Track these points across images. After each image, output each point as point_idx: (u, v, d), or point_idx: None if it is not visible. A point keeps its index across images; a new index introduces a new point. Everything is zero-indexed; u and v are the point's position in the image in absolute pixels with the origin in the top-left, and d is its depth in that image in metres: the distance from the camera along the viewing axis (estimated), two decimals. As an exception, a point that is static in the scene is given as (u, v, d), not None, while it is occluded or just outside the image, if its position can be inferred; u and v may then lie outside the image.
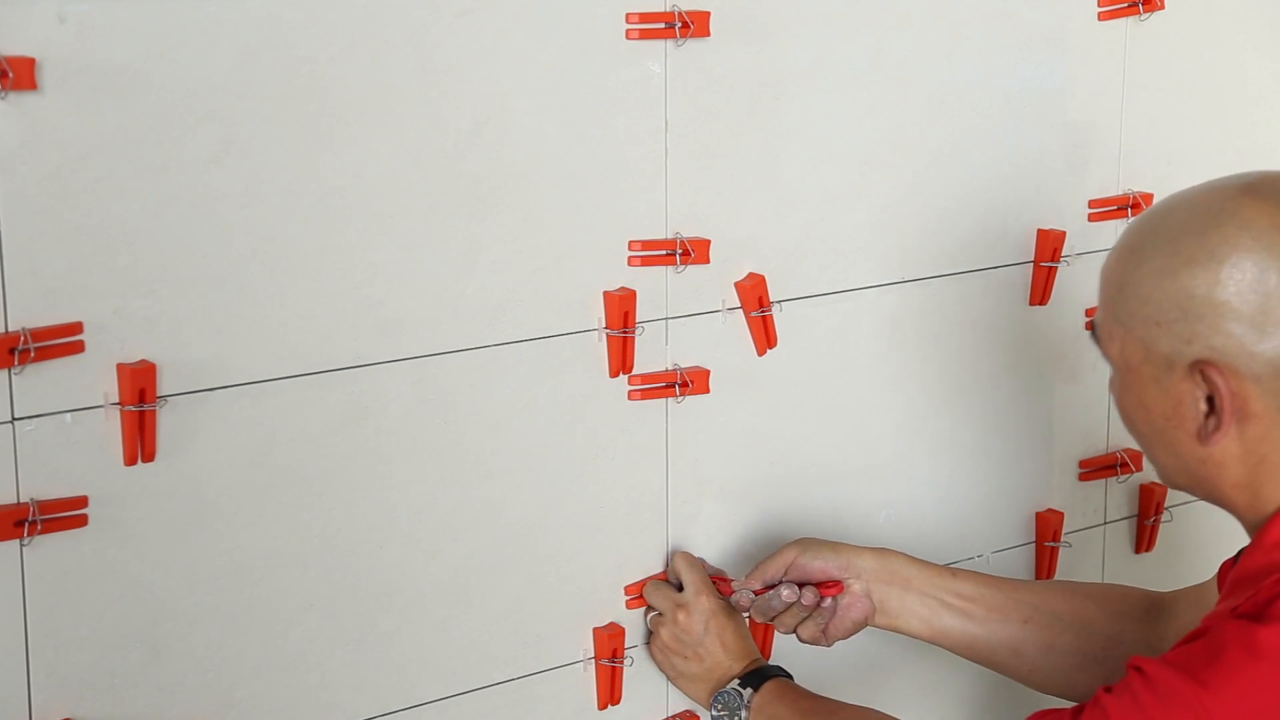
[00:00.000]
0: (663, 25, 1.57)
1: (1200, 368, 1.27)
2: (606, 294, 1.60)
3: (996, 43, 1.83)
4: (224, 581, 1.44)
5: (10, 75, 1.26)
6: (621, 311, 1.60)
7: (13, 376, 1.31)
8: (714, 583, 1.65)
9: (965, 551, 1.92)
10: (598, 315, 1.60)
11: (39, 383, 1.32)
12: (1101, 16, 1.90)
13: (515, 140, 1.52)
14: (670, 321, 1.65)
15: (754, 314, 1.68)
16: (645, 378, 1.63)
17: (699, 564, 1.67)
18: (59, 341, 1.32)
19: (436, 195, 1.49)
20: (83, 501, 1.36)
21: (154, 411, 1.37)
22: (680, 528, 1.70)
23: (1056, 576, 2.00)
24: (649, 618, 1.67)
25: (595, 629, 1.66)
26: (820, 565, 1.62)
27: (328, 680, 1.51)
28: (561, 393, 1.60)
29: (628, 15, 1.55)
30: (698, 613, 1.62)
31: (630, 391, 1.62)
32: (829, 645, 1.65)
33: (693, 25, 1.58)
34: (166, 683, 1.43)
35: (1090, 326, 1.38)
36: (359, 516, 1.50)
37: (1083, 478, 2.00)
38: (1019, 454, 1.95)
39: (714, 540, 1.72)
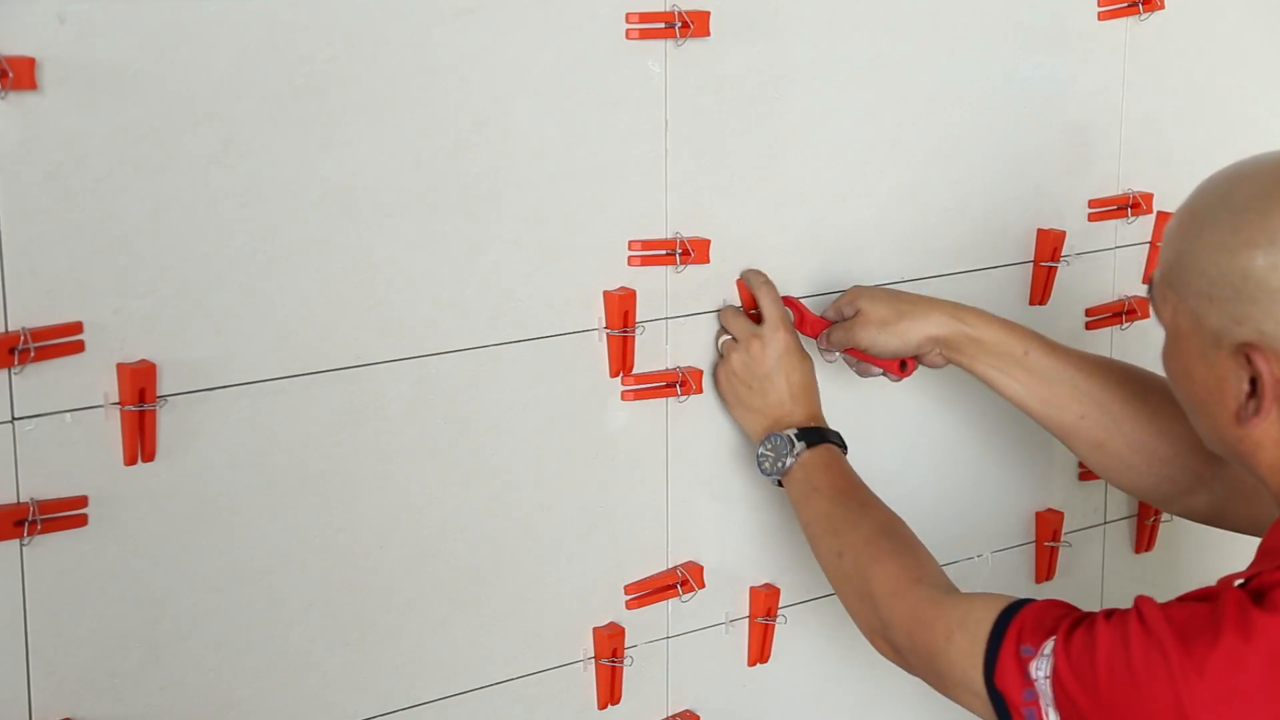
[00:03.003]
0: (663, 25, 1.57)
1: (1246, 350, 1.25)
2: (606, 294, 1.60)
3: (996, 43, 1.83)
4: (224, 581, 1.44)
5: (10, 75, 1.26)
6: (621, 311, 1.60)
7: (13, 376, 1.31)
8: (792, 311, 1.66)
9: (965, 551, 1.92)
10: (598, 315, 1.60)
11: (39, 383, 1.32)
12: (1101, 16, 1.90)
13: (515, 140, 1.52)
14: (670, 321, 1.65)
15: (753, 312, 1.68)
16: (641, 378, 1.63)
17: (780, 299, 1.66)
18: (59, 341, 1.32)
19: (436, 195, 1.49)
20: (83, 501, 1.36)
21: (154, 411, 1.37)
22: (680, 528, 1.70)
23: (1057, 576, 2.00)
24: (721, 341, 1.67)
25: (595, 629, 1.66)
26: (888, 353, 1.64)
27: (328, 680, 1.51)
28: (561, 393, 1.60)
29: (628, 15, 1.55)
30: (773, 346, 1.62)
31: (624, 392, 1.62)
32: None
33: (693, 25, 1.58)
34: (166, 683, 1.43)
35: (1150, 285, 1.36)
36: (359, 516, 1.50)
37: (1083, 478, 2.00)
38: (1019, 454, 1.95)
39: (714, 540, 1.72)
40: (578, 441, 1.61)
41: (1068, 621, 1.28)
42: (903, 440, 1.85)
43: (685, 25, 1.58)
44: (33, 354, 1.30)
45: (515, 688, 1.62)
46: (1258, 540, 1.50)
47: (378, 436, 1.50)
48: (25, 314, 1.31)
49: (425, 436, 1.53)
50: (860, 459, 1.81)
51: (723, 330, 1.67)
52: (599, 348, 1.61)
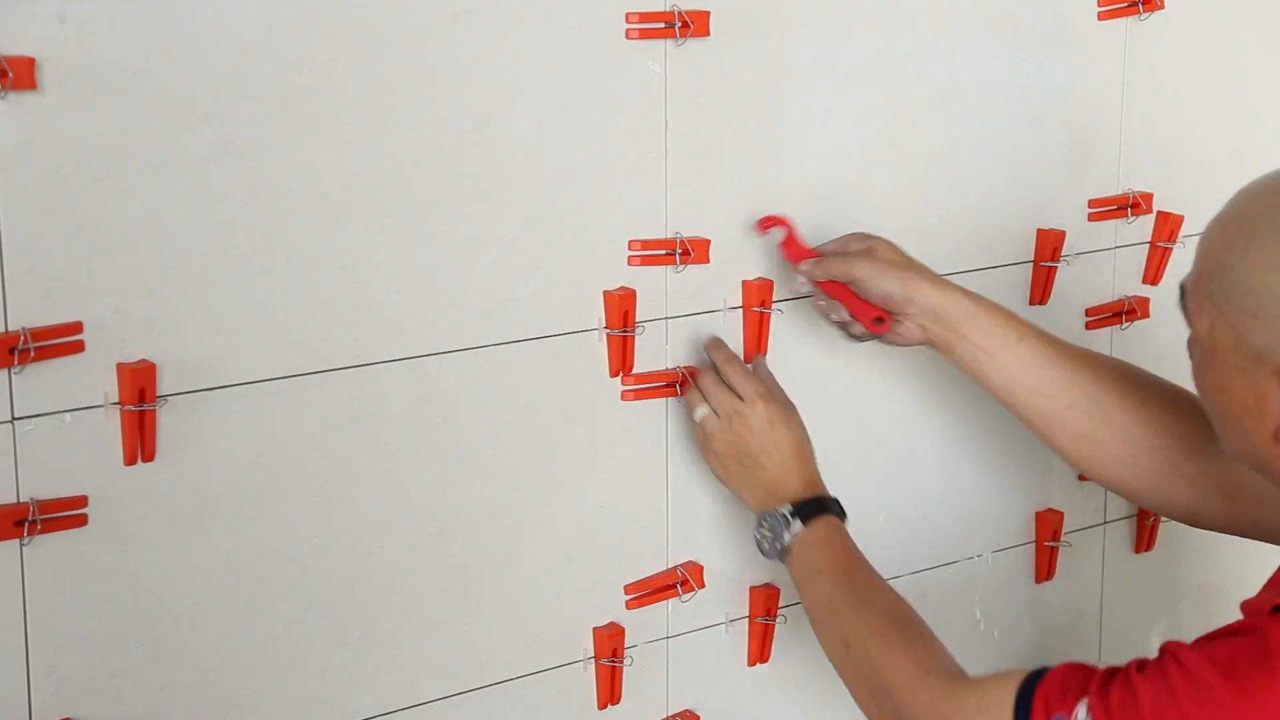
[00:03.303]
0: (663, 25, 1.57)
1: None
2: (606, 293, 1.60)
3: (996, 43, 1.83)
4: (224, 581, 1.44)
5: (10, 75, 1.26)
6: (621, 311, 1.60)
7: (13, 376, 1.31)
8: (783, 230, 1.62)
9: (965, 551, 1.92)
10: (598, 315, 1.60)
11: (39, 383, 1.32)
12: (1101, 16, 1.90)
13: (515, 140, 1.52)
14: (670, 321, 1.65)
15: (755, 309, 1.68)
16: (641, 378, 1.63)
17: (747, 371, 1.62)
18: (59, 341, 1.32)
19: (436, 195, 1.49)
20: (83, 501, 1.36)
21: (154, 411, 1.37)
22: (680, 528, 1.70)
23: (1057, 576, 2.00)
24: (699, 416, 1.61)
25: (595, 629, 1.66)
26: (881, 293, 1.58)
27: (328, 680, 1.51)
28: (561, 392, 1.60)
29: (627, 15, 1.55)
30: (756, 421, 1.58)
31: (624, 392, 1.62)
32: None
33: (693, 25, 1.58)
34: (166, 683, 1.43)
35: (1182, 289, 1.33)
36: (359, 516, 1.50)
37: (1083, 477, 2.00)
38: (1019, 454, 1.95)
39: (714, 540, 1.72)
40: (578, 441, 1.61)
41: (1096, 681, 1.26)
42: (903, 440, 1.85)
43: (685, 25, 1.58)
44: (33, 354, 1.30)
45: (515, 688, 1.62)
46: (1254, 543, 1.50)
47: (378, 436, 1.50)
48: (25, 314, 1.31)
49: (425, 436, 1.53)
50: (860, 459, 1.81)
51: (694, 398, 1.61)
52: (599, 348, 1.61)
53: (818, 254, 1.63)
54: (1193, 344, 1.34)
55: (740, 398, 1.59)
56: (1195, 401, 1.56)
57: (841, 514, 1.59)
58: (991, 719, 1.30)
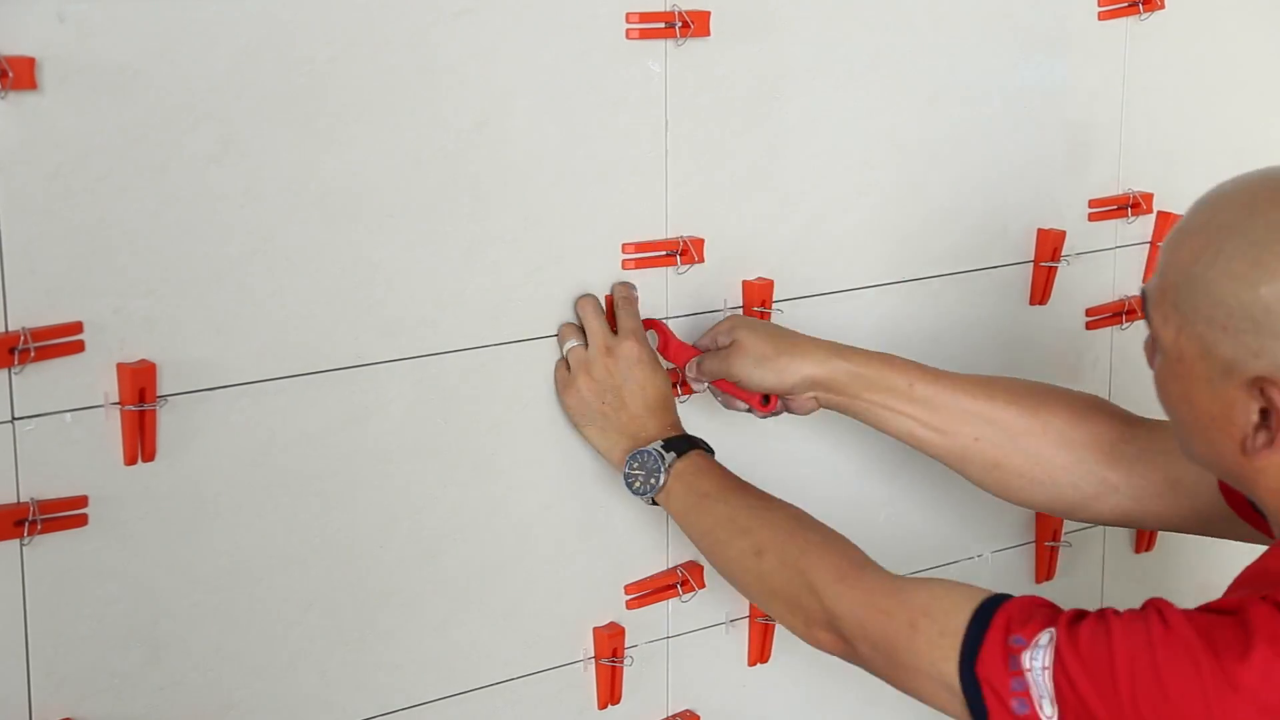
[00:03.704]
0: (663, 25, 1.57)
1: (1263, 385, 1.21)
2: (608, 299, 1.60)
3: (996, 43, 1.83)
4: (224, 581, 1.44)
5: (10, 75, 1.26)
6: (622, 311, 1.60)
7: (13, 376, 1.31)
8: (657, 335, 1.59)
9: (965, 551, 1.92)
10: (598, 315, 1.60)
11: (39, 383, 1.32)
12: (1101, 16, 1.90)
13: (515, 140, 1.52)
14: (670, 321, 1.65)
15: (755, 309, 1.68)
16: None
17: (638, 314, 1.58)
18: (59, 341, 1.32)
19: (436, 195, 1.49)
20: (83, 501, 1.36)
21: (154, 411, 1.37)
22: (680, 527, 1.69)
23: (1057, 576, 2.00)
24: (566, 349, 1.56)
25: (595, 629, 1.66)
26: (760, 387, 1.56)
27: (328, 680, 1.51)
28: (561, 393, 1.60)
29: (627, 15, 1.55)
30: (624, 357, 1.54)
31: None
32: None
33: (693, 25, 1.58)
34: (166, 683, 1.43)
35: (1144, 295, 1.30)
36: (359, 516, 1.50)
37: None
38: (1019, 454, 1.94)
39: (714, 540, 1.72)
40: (578, 441, 1.61)
41: (1066, 615, 1.24)
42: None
43: (686, 25, 1.58)
44: (33, 354, 1.30)
45: (515, 688, 1.62)
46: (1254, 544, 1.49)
47: (378, 436, 1.50)
48: (25, 314, 1.31)
49: (425, 436, 1.53)
50: (860, 459, 1.81)
51: (566, 330, 1.57)
52: (599, 348, 1.61)
53: (697, 351, 1.61)
54: (1151, 348, 1.32)
55: (614, 332, 1.56)
56: (1101, 404, 1.57)
57: (709, 450, 1.56)
58: (939, 625, 1.28)
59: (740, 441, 1.72)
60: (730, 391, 1.60)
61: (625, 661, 1.66)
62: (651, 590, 1.68)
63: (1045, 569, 1.99)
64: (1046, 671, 1.22)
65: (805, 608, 1.40)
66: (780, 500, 1.50)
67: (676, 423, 1.57)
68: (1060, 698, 1.21)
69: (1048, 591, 2.00)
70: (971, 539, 1.93)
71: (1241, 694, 1.16)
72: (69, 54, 1.29)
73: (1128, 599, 2.06)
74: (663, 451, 1.52)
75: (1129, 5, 1.90)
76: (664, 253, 1.63)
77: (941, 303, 1.83)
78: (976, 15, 1.80)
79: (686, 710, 1.73)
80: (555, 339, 1.57)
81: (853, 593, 1.36)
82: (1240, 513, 1.42)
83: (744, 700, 1.78)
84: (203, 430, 1.40)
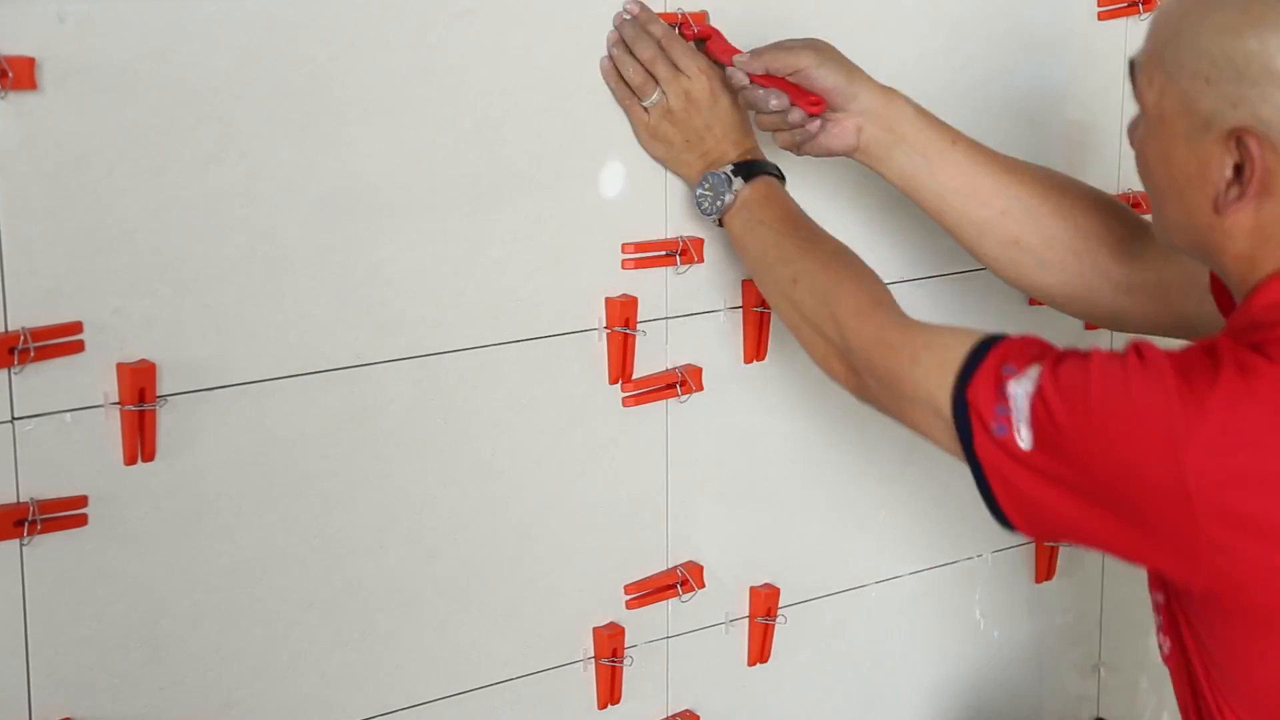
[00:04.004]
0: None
1: (1239, 134, 1.24)
2: (608, 300, 1.60)
3: (996, 43, 1.83)
4: (224, 581, 1.44)
5: (10, 75, 1.26)
6: (623, 318, 1.60)
7: (13, 376, 1.31)
8: (710, 46, 1.58)
9: (965, 551, 1.92)
10: (598, 314, 1.60)
11: (39, 383, 1.32)
12: (1101, 16, 1.90)
13: (515, 140, 1.52)
14: (670, 321, 1.65)
15: (755, 309, 1.68)
16: (641, 382, 1.63)
17: (681, 40, 1.58)
18: (59, 341, 1.32)
19: (437, 195, 1.49)
20: (83, 501, 1.36)
21: (154, 411, 1.37)
22: (680, 528, 1.70)
23: (1057, 576, 2.00)
24: (652, 100, 1.56)
25: (595, 629, 1.66)
26: (825, 84, 1.55)
27: (328, 680, 1.51)
28: (562, 392, 1.60)
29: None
30: (701, 95, 1.56)
31: (625, 399, 1.62)
32: (799, 155, 1.60)
33: (695, 26, 1.58)
34: (166, 683, 1.43)
35: (1132, 65, 1.34)
36: (359, 516, 1.50)
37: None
38: (1019, 454, 1.94)
39: (714, 540, 1.72)
40: (578, 441, 1.61)
41: (1054, 353, 1.27)
42: (903, 439, 1.85)
43: (687, 25, 1.58)
44: (33, 354, 1.30)
45: (515, 688, 1.62)
46: None
47: (378, 436, 1.50)
48: (25, 314, 1.31)
49: (425, 436, 1.53)
50: (860, 459, 1.81)
51: (637, 77, 1.55)
52: (599, 347, 1.61)
53: (737, 50, 1.59)
54: (1134, 127, 1.36)
55: (682, 71, 1.56)
56: (1121, 206, 1.62)
57: (781, 177, 1.60)
58: (938, 358, 1.31)
59: (740, 442, 1.72)
60: (780, 85, 1.55)
61: (625, 661, 1.66)
62: (651, 590, 1.68)
63: (1045, 569, 1.99)
64: (1028, 398, 1.24)
65: (826, 336, 1.45)
66: (829, 236, 1.54)
67: (754, 147, 1.60)
68: (1035, 423, 1.23)
69: (1048, 591, 2.00)
70: (971, 539, 1.93)
71: (1206, 413, 1.18)
72: (69, 54, 1.29)
73: (1128, 599, 2.07)
74: (731, 175, 1.56)
75: (1129, 5, 1.90)
76: (664, 253, 1.63)
77: (941, 303, 1.83)
78: (976, 15, 1.80)
79: (686, 710, 1.73)
80: (617, 91, 1.57)
81: (866, 327, 1.41)
82: (1226, 314, 1.45)
83: (744, 700, 1.78)
84: (203, 430, 1.40)
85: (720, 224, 1.58)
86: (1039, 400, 1.23)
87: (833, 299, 1.45)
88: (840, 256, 1.51)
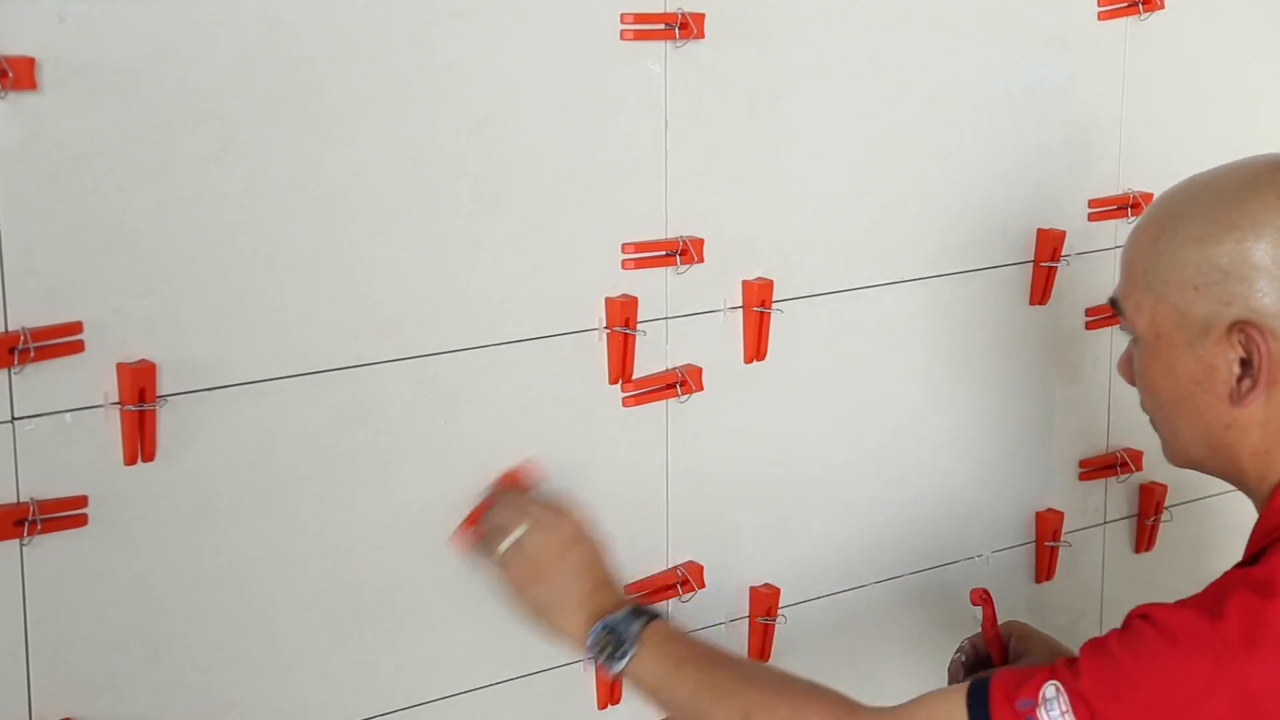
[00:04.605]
0: (662, 26, 1.57)
1: (1240, 327, 1.28)
2: (608, 300, 1.60)
3: (996, 43, 1.83)
4: (224, 581, 1.44)
5: (10, 75, 1.26)
6: (623, 319, 1.60)
7: (13, 376, 1.31)
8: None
9: (965, 551, 1.92)
10: (598, 315, 1.60)
11: (39, 383, 1.32)
12: (1101, 16, 1.90)
13: (515, 140, 1.52)
14: (670, 322, 1.65)
15: (755, 309, 1.68)
16: (641, 383, 1.63)
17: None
18: (59, 341, 1.32)
19: (436, 195, 1.49)
20: (83, 501, 1.36)
21: (154, 411, 1.37)
22: (680, 528, 1.70)
23: (1056, 576, 2.00)
24: (519, 534, 1.43)
25: (595, 629, 1.66)
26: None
27: (328, 680, 1.51)
28: (561, 393, 1.60)
29: (622, 16, 1.55)
30: (566, 531, 1.44)
31: (625, 399, 1.62)
32: None
33: (695, 27, 1.58)
34: (166, 683, 1.43)
35: (1114, 302, 1.39)
36: (359, 516, 1.50)
37: (1083, 477, 2.00)
38: (1019, 454, 1.95)
39: (714, 540, 1.72)
40: (578, 441, 1.61)
41: (1058, 663, 1.26)
42: (903, 440, 1.85)
43: (686, 26, 1.58)
44: (33, 354, 1.30)
45: (515, 688, 1.62)
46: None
47: (377, 436, 1.50)
48: (25, 314, 1.31)
49: (425, 436, 1.53)
50: (860, 459, 1.81)
51: (504, 519, 1.45)
52: (599, 347, 1.61)
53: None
54: (1126, 362, 1.41)
55: (545, 511, 1.46)
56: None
57: (658, 615, 1.45)
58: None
59: (740, 442, 1.72)
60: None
61: (625, 661, 1.66)
62: (651, 590, 1.68)
63: (1045, 569, 1.99)
64: (1068, 715, 1.24)
65: None
66: (756, 661, 1.50)
67: (619, 586, 1.46)
68: None
69: (1048, 592, 2.00)
70: (971, 539, 1.93)
71: (1235, 629, 1.20)
72: (69, 54, 1.29)
73: (1128, 599, 2.06)
74: (631, 617, 1.41)
75: (1129, 5, 1.90)
76: (664, 253, 1.63)
77: (941, 303, 1.84)
78: (976, 15, 1.80)
79: (686, 710, 1.73)
80: (481, 542, 1.47)
81: None
82: None
83: (744, 700, 1.78)
84: (203, 430, 1.40)
85: (621, 674, 1.41)
86: (1081, 708, 1.23)
87: None
88: (783, 676, 1.40)
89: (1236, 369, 1.30)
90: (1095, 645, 1.26)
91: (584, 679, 1.66)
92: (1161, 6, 1.92)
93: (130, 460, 1.37)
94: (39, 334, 1.31)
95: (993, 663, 1.60)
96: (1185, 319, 1.31)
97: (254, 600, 1.46)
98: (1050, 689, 1.25)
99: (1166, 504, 2.06)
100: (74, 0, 1.28)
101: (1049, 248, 1.89)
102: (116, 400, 1.35)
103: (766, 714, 1.35)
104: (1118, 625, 1.28)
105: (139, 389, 1.35)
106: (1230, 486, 1.39)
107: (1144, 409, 1.40)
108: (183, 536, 1.41)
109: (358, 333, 1.47)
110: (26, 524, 1.32)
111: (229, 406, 1.41)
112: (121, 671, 1.40)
